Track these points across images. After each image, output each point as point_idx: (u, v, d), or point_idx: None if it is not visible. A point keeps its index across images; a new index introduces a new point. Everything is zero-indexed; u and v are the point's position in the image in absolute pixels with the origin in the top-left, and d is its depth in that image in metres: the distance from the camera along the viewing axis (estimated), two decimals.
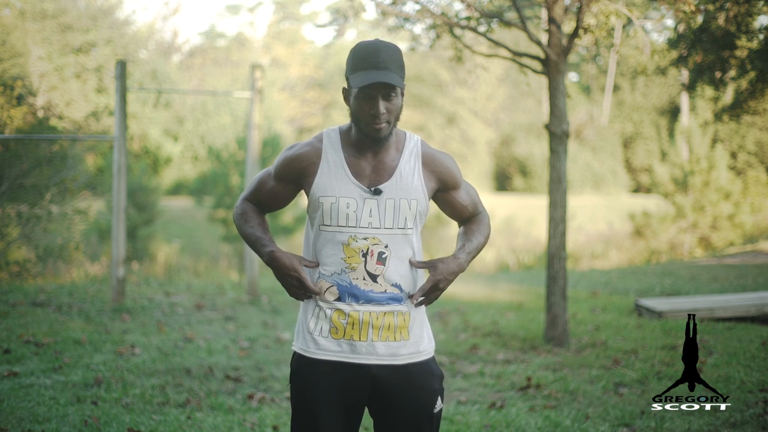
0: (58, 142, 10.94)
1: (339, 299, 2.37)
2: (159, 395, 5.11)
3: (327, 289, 2.38)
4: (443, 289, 2.42)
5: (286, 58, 43.96)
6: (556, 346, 6.75)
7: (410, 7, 8.07)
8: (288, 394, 5.37)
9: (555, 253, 6.79)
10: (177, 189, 29.82)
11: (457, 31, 7.48)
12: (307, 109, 41.29)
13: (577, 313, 8.45)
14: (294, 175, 2.45)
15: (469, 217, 2.58)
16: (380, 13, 7.54)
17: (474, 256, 2.50)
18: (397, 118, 2.36)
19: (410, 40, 8.17)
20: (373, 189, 2.36)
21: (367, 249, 2.35)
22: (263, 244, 2.43)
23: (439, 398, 2.45)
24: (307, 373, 2.41)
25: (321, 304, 2.39)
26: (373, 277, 2.36)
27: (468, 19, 7.17)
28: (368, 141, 2.36)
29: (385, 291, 2.37)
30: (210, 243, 21.53)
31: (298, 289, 2.38)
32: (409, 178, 2.39)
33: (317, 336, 2.40)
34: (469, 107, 41.62)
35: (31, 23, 21.08)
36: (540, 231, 22.53)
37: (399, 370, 2.40)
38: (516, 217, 25.45)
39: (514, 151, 40.09)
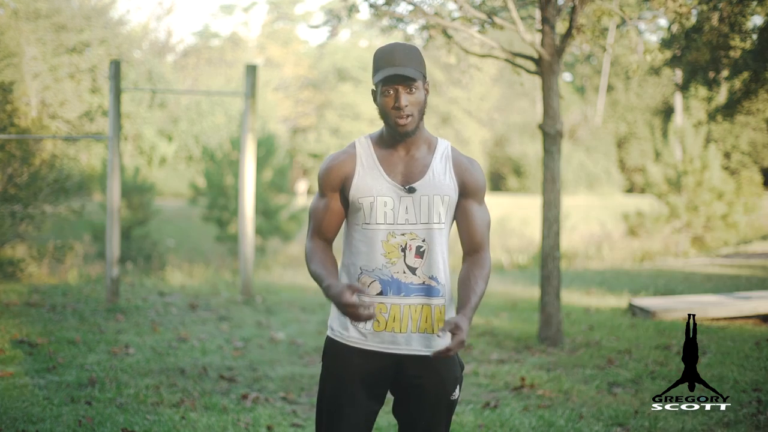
0: (52, 142, 10.91)
1: (381, 293, 2.51)
2: (153, 395, 5.10)
3: (370, 284, 2.51)
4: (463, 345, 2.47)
5: (280, 58, 43.96)
6: (550, 346, 6.76)
7: (403, 8, 8.06)
8: (283, 394, 5.38)
9: (549, 253, 6.80)
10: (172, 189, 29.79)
11: (451, 31, 7.48)
12: (301, 109, 41.29)
13: (571, 312, 8.47)
14: (338, 182, 2.57)
15: (472, 245, 2.60)
16: (374, 13, 7.54)
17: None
18: (421, 112, 2.50)
19: (403, 40, 8.18)
20: (407, 187, 2.50)
21: (406, 244, 2.51)
22: (321, 280, 2.50)
23: (458, 387, 2.59)
24: (340, 355, 2.55)
25: (364, 298, 2.44)
26: (413, 270, 2.51)
27: (461, 19, 7.18)
28: (398, 136, 2.49)
29: (423, 283, 2.52)
30: (204, 243, 21.50)
31: (354, 312, 2.39)
32: (441, 177, 2.54)
33: (360, 327, 2.52)
34: (463, 107, 41.68)
35: (25, 23, 21.03)
36: (534, 231, 22.55)
37: (426, 357, 2.52)
38: (510, 217, 25.44)
39: (508, 151, 40.18)
